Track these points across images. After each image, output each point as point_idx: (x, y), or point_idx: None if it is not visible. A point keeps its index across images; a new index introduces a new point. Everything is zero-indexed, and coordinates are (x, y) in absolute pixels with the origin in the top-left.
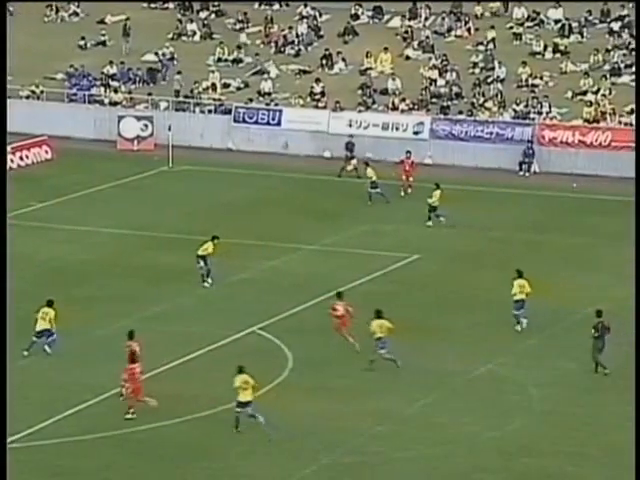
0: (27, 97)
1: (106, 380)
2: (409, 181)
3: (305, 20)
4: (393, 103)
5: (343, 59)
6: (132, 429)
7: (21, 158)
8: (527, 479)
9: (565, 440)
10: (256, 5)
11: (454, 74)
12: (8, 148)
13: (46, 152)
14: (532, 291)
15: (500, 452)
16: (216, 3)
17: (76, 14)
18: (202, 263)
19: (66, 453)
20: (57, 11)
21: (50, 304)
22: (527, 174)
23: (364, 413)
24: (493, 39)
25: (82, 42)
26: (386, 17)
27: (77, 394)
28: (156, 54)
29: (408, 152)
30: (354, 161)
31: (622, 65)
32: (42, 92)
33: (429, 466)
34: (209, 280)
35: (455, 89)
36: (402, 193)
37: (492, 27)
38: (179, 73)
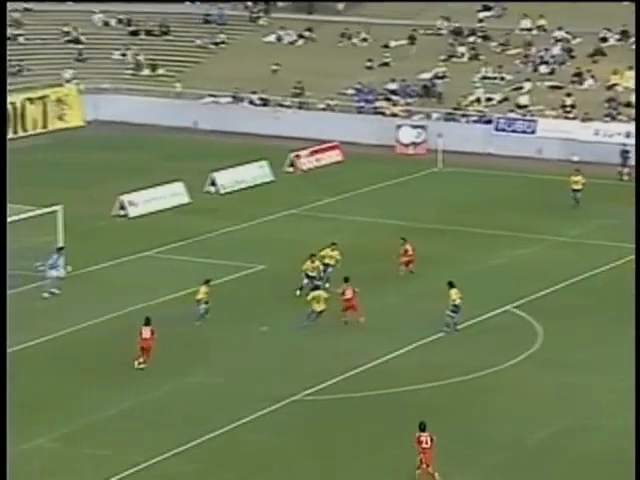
0: (323, 109)
1: (371, 350)
2: None
3: (559, 43)
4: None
5: (592, 76)
6: (391, 390)
7: (317, 160)
8: None
9: None
10: (517, 31)
11: None
12: (306, 152)
13: (337, 155)
14: None
15: None
16: (483, 29)
17: (365, 40)
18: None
19: (331, 410)
20: (349, 38)
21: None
22: None
23: (593, 385)
24: None
25: (369, 63)
26: (632, 39)
27: (354, 358)
28: (432, 73)
29: None
30: (625, 169)
31: None
32: (336, 105)
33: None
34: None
35: None
36: None
37: None
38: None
